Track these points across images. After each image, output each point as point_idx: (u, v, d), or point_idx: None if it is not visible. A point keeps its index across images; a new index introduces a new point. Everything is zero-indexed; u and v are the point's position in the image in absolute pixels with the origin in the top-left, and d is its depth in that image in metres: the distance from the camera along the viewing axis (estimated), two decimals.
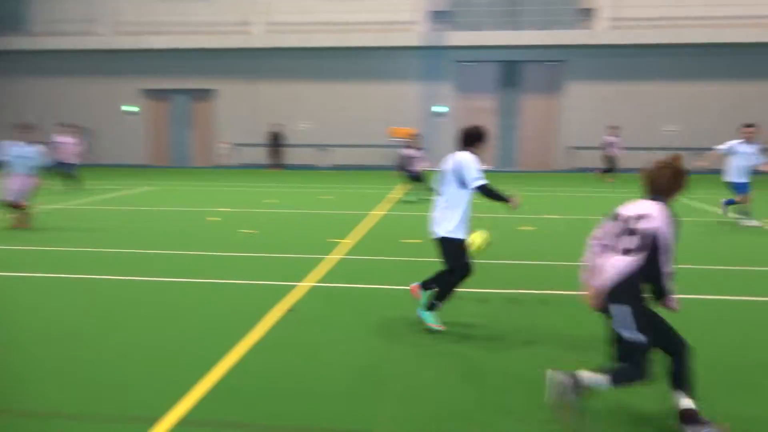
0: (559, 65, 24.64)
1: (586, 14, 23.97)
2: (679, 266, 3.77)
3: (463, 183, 5.06)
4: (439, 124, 25.09)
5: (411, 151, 14.69)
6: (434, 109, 25.04)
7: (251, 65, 25.41)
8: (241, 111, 25.73)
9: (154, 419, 3.58)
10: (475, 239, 5.29)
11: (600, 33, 23.56)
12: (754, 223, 10.81)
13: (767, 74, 23.47)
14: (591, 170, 21.99)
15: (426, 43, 24.24)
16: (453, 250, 5.13)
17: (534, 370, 4.25)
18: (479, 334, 5.16)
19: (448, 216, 5.11)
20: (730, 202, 11.36)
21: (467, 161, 5.08)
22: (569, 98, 24.59)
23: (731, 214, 11.35)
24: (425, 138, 24.89)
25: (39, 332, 5.16)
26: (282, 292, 6.33)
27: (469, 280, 5.20)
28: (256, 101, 25.63)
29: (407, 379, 4.22)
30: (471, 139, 5.23)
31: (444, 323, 5.16)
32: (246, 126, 25.67)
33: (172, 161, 26.68)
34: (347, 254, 8.35)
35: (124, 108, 26.08)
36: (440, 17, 24.40)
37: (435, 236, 5.22)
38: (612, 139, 19.37)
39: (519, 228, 10.55)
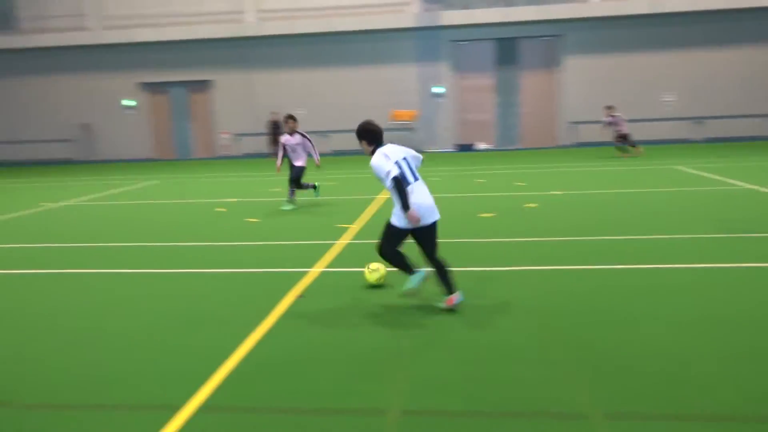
0: (555, 40, 24.50)
1: None
2: None
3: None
4: (439, 105, 25.06)
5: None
6: (433, 89, 24.95)
7: (244, 54, 25.33)
8: (238, 101, 25.67)
9: (175, 407, 3.62)
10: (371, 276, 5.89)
11: (594, 5, 23.40)
12: None
13: (766, 38, 23.32)
14: (594, 145, 21.94)
15: (419, 24, 24.11)
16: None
17: (569, 349, 4.28)
18: (476, 315, 5.19)
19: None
20: None
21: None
22: (567, 73, 24.48)
23: None
24: (426, 119, 25.02)
25: (62, 326, 5.21)
26: (292, 279, 6.37)
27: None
28: (252, 90, 25.56)
29: (417, 359, 4.27)
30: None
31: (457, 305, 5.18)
32: (245, 115, 25.63)
33: (175, 154, 26.70)
34: (355, 239, 8.38)
35: (124, 102, 26.02)
36: None
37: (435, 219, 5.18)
38: (611, 119, 18.88)
39: (525, 205, 10.56)
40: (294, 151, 10.92)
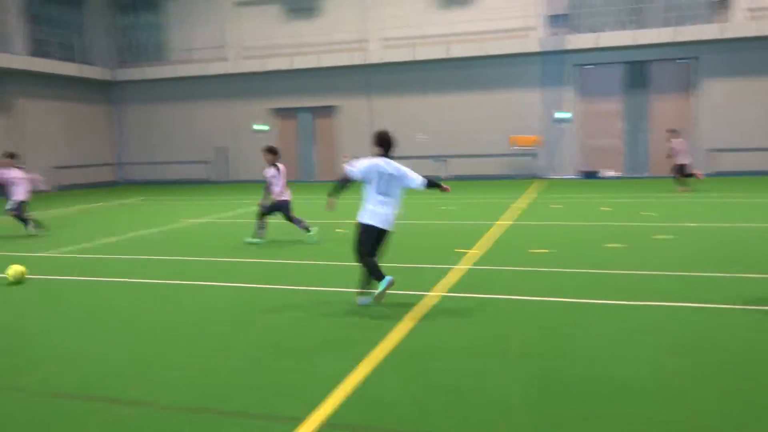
0: (689, 63, 23.13)
1: (719, 6, 22.35)
2: None
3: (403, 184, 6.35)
4: (563, 130, 24.43)
5: None
6: (557, 115, 24.36)
7: (368, 81, 26.17)
8: (360, 125, 26.47)
9: (298, 419, 3.76)
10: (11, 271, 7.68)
11: (736, 26, 21.85)
12: None
13: None
14: (737, 174, 20.39)
15: (544, 49, 23.71)
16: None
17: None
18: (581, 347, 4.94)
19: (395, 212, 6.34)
20: None
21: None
22: (704, 97, 22.98)
23: None
24: (549, 145, 24.46)
25: (196, 335, 5.59)
26: (411, 301, 6.42)
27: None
28: (374, 115, 26.28)
29: (531, 392, 4.13)
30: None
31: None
32: (367, 140, 26.32)
33: (300, 175, 27.93)
34: (475, 264, 8.32)
35: (255, 127, 27.66)
36: (558, 21, 23.78)
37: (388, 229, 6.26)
38: (674, 144, 17.36)
39: (655, 237, 9.98)
40: (271, 184, 10.61)
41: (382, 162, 6.24)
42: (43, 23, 26.73)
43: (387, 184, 6.21)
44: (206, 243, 11.00)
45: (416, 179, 6.28)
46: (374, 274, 6.12)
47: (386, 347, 5.05)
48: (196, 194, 22.10)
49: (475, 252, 9.14)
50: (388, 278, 6.02)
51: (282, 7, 26.94)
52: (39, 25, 26.26)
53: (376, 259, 6.27)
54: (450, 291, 6.92)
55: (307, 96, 27.09)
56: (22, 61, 24.17)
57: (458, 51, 24.36)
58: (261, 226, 10.69)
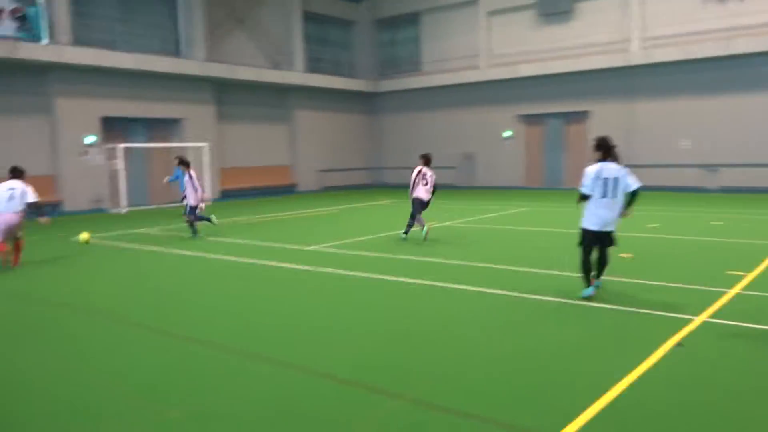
0: None
1: None
2: None
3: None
4: None
5: None
6: None
7: (626, 83, 24.42)
8: (615, 131, 24.78)
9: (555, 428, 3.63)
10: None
11: None
12: None
13: None
14: None
15: None
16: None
17: None
18: None
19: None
20: None
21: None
22: None
23: None
24: None
25: (434, 334, 5.73)
26: (672, 324, 5.78)
27: None
28: (631, 120, 24.46)
29: None
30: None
31: None
32: (622, 147, 24.69)
33: (544, 183, 27.27)
34: (748, 289, 7.21)
35: (505, 134, 27.68)
36: None
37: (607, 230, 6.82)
38: None
39: None
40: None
41: (604, 166, 6.73)
42: (318, 43, 30.13)
43: (609, 187, 6.68)
44: (448, 246, 11.26)
45: (636, 182, 6.81)
46: (584, 278, 6.91)
47: (639, 369, 4.62)
48: (443, 199, 22.84)
49: (751, 275, 7.92)
50: (588, 291, 6.81)
51: (535, 12, 26.55)
52: (314, 45, 29.66)
53: (591, 263, 6.94)
54: (718, 317, 6.08)
55: (557, 101, 26.30)
56: (300, 77, 27.50)
57: (740, 46, 21.42)
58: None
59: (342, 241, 11.98)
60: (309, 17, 29.24)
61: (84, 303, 7.49)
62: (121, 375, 4.92)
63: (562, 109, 26.34)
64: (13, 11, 18.46)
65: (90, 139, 20.87)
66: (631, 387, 4.35)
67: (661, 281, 7.78)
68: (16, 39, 18.49)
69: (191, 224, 13.17)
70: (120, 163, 20.65)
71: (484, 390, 4.40)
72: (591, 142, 7.25)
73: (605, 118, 25.12)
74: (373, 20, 32.09)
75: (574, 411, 3.95)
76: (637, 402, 4.10)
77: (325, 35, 30.78)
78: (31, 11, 18.85)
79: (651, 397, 4.17)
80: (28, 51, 18.68)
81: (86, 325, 6.55)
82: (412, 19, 30.79)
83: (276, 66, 27.51)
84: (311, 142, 29.10)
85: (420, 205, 11.99)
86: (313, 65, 29.15)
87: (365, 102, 32.19)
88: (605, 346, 5.37)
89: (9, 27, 18.33)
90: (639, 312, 6.38)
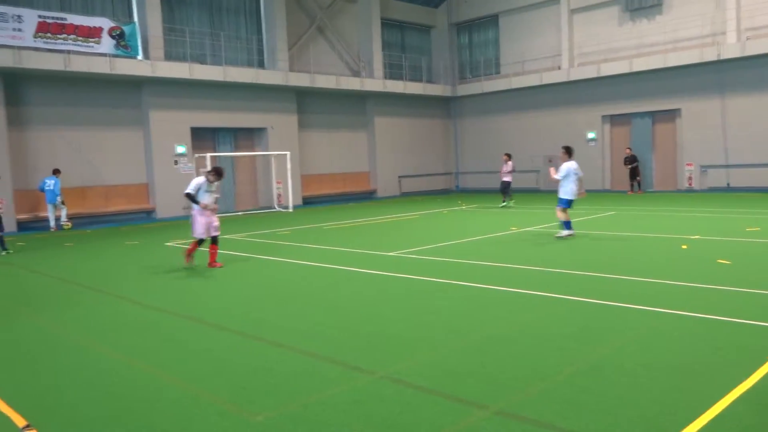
0: None
1: None
2: None
3: None
4: None
5: None
6: None
7: (720, 79, 23.04)
8: (708, 129, 23.53)
9: None
10: None
11: None
12: None
13: None
14: None
15: None
16: None
17: None
18: None
19: None
20: None
21: None
22: None
23: None
24: None
25: (539, 345, 5.58)
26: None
27: None
28: (726, 118, 23.06)
29: None
30: None
31: None
32: (714, 146, 23.35)
33: (633, 185, 26.16)
34: None
35: (589, 135, 26.75)
36: None
37: None
38: None
39: None
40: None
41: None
42: (397, 49, 30.32)
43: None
44: (535, 251, 10.98)
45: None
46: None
47: (743, 387, 4.30)
48: (526, 203, 22.36)
49: None
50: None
51: (621, 8, 25.56)
52: (393, 51, 29.86)
53: None
54: None
55: (644, 100, 25.18)
56: (379, 83, 27.74)
57: None
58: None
59: (423, 247, 11.94)
60: (387, 24, 29.48)
61: (175, 307, 7.82)
62: (212, 376, 5.08)
63: (649, 108, 25.21)
64: (111, 29, 19.66)
65: (181, 148, 21.89)
66: (734, 402, 4.05)
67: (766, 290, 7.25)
68: (114, 56, 19.69)
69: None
70: None
71: (576, 402, 4.22)
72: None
73: (697, 115, 23.84)
74: (450, 24, 31.95)
75: (685, 417, 3.72)
76: (741, 419, 3.81)
77: (403, 41, 30.95)
78: (127, 29, 20.02)
79: (755, 415, 3.87)
80: (125, 67, 19.85)
81: (182, 328, 6.83)
82: (491, 21, 30.42)
83: (355, 73, 27.90)
84: (390, 148, 29.27)
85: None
86: (392, 71, 29.34)
87: (443, 106, 32.07)
88: (708, 357, 5.04)
89: (108, 45, 19.54)
90: (738, 323, 5.97)
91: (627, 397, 4.28)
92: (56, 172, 18.43)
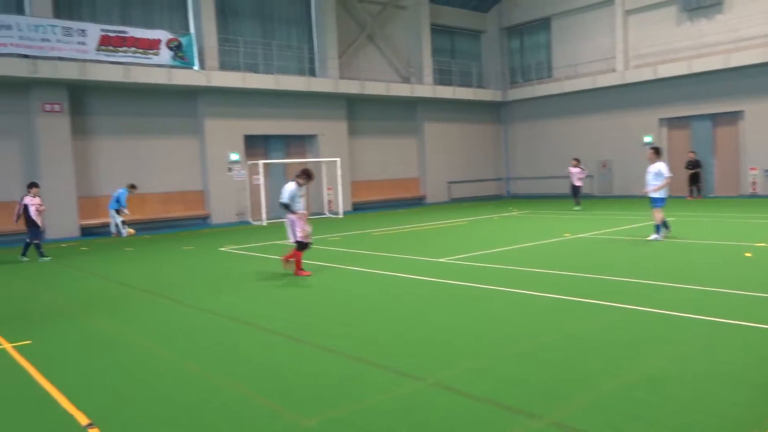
0: None
1: None
2: None
3: None
4: None
5: None
6: None
7: None
8: None
9: None
10: None
11: None
12: None
13: None
14: None
15: None
16: None
17: None
18: None
19: None
20: None
21: None
22: None
23: None
24: None
25: (588, 352, 5.45)
26: None
27: None
28: None
29: None
30: None
31: None
32: None
33: (692, 191, 25.26)
34: None
35: (646, 139, 25.97)
36: None
37: None
38: None
39: None
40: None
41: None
42: (446, 54, 30.25)
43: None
44: (588, 258, 10.72)
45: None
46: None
47: None
48: (582, 208, 21.89)
49: None
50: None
51: (680, 7, 24.77)
52: (443, 57, 29.80)
53: None
54: None
55: (704, 102, 24.29)
56: (429, 89, 27.71)
57: None
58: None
59: (473, 254, 11.83)
60: (437, 30, 29.44)
61: (220, 309, 7.99)
62: (263, 379, 5.15)
63: (709, 110, 24.30)
64: (170, 41, 20.32)
65: (234, 156, 22.39)
66: None
67: None
68: (172, 66, 20.33)
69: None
70: (260, 178, 21.96)
71: (632, 414, 4.09)
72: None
73: (761, 117, 22.85)
74: (501, 28, 31.65)
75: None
76: None
77: (453, 46, 30.84)
78: (184, 40, 20.65)
79: None
80: (182, 77, 20.47)
81: (233, 331, 6.97)
82: (543, 24, 29.99)
83: (405, 79, 27.95)
84: (439, 154, 29.17)
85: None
86: (442, 77, 29.26)
87: (494, 111, 31.76)
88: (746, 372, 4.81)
89: (166, 56, 20.20)
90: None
91: (687, 411, 4.12)
92: (132, 187, 17.95)
